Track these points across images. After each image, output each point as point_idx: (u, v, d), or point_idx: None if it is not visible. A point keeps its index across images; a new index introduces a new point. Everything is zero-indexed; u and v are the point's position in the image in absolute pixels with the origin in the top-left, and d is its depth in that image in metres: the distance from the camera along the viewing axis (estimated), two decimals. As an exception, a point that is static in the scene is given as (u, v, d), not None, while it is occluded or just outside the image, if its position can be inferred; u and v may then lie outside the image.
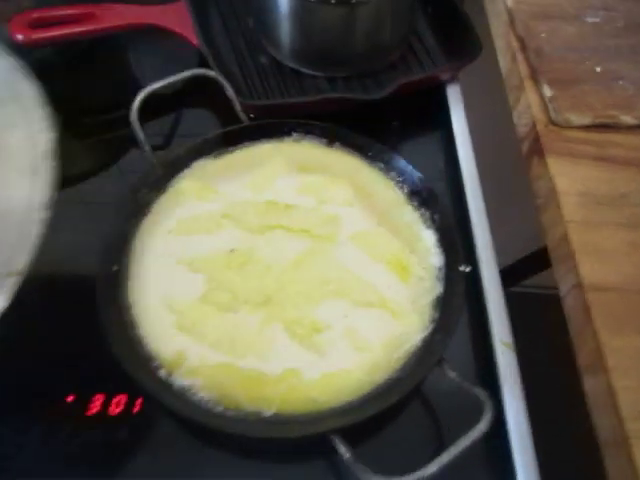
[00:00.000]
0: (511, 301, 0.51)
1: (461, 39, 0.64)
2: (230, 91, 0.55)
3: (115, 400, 0.43)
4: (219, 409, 0.39)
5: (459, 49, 0.64)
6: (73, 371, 0.45)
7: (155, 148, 0.53)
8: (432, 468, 0.34)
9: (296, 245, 0.48)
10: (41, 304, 0.48)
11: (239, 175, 0.52)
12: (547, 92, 0.45)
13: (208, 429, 0.38)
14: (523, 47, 0.49)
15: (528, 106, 0.46)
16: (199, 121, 0.63)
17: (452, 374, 0.40)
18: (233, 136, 0.53)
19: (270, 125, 0.54)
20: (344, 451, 0.36)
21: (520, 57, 0.49)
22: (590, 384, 0.36)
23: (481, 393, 0.37)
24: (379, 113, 0.61)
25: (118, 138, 0.62)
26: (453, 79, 0.65)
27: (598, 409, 0.35)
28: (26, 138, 0.51)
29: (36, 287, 0.48)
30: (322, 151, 0.54)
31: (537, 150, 0.44)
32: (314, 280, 0.46)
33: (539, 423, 0.44)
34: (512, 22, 0.52)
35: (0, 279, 0.42)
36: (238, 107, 0.55)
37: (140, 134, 0.51)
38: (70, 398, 0.43)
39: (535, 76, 0.47)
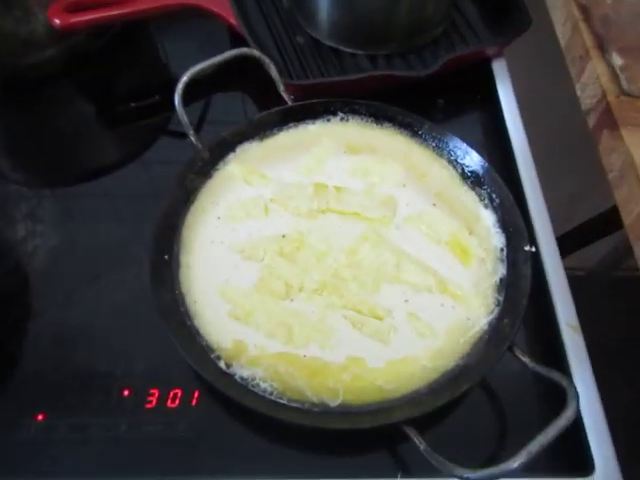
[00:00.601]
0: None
1: (508, 12, 0.62)
2: (274, 71, 0.53)
3: (171, 394, 0.42)
4: (284, 400, 0.38)
5: (505, 23, 0.61)
6: (126, 366, 0.43)
7: (197, 132, 0.51)
8: (521, 459, 0.32)
9: (350, 229, 0.47)
10: (87, 294, 0.47)
11: (286, 158, 0.50)
12: (617, 61, 0.42)
13: (274, 421, 0.37)
14: (587, 16, 0.46)
15: (595, 77, 0.44)
16: (238, 104, 0.61)
17: (525, 359, 0.38)
18: (278, 118, 0.51)
19: (316, 105, 0.52)
20: (419, 442, 0.35)
21: (583, 27, 0.46)
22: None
23: (562, 378, 0.35)
24: (422, 91, 0.58)
25: (156, 124, 0.61)
26: (499, 54, 0.62)
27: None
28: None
29: (85, 277, 0.48)
30: (370, 131, 0.52)
31: (608, 122, 0.42)
32: (371, 265, 0.44)
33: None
34: (573, -10, 0.49)
35: None
36: (281, 87, 0.53)
37: (184, 118, 0.50)
38: (126, 392, 0.42)
39: (602, 45, 0.44)
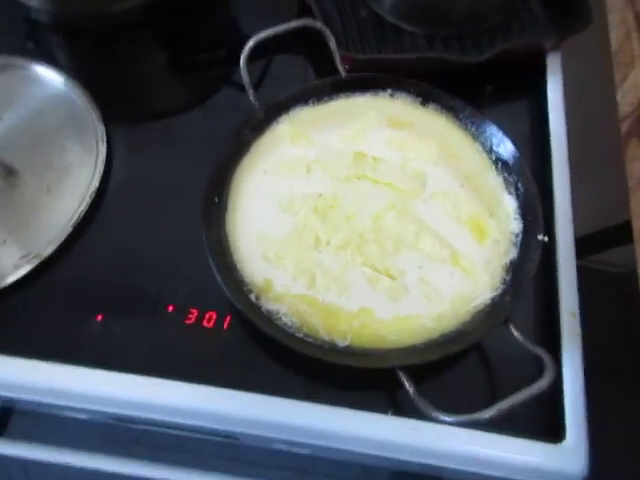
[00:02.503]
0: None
1: (570, 7, 0.63)
2: (333, 44, 0.57)
3: (207, 315, 0.49)
4: (300, 334, 0.44)
5: (566, 18, 0.63)
6: (173, 286, 0.50)
7: (256, 90, 0.57)
8: (490, 412, 0.37)
9: (380, 197, 0.51)
10: (148, 222, 0.54)
11: (333, 125, 0.55)
12: (657, 73, 0.44)
13: (288, 351, 0.43)
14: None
15: (636, 85, 0.46)
16: (295, 68, 0.66)
17: (516, 333, 0.43)
18: (331, 87, 0.56)
19: (367, 79, 0.56)
20: (408, 386, 0.41)
21: (635, 35, 0.48)
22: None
23: (544, 354, 0.40)
24: (474, 76, 0.61)
25: (218, 77, 0.66)
26: (555, 48, 0.64)
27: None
28: (83, 156, 0.57)
29: (147, 207, 0.55)
30: (414, 109, 0.56)
31: (638, 131, 0.44)
32: (393, 231, 0.49)
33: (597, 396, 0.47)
34: (632, -3, 0.50)
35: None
36: (338, 59, 0.57)
37: (247, 79, 0.55)
38: (170, 308, 0.49)
39: (648, 56, 0.46)
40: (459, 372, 0.46)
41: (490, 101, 0.63)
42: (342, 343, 0.44)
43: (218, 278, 0.45)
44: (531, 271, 0.46)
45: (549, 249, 0.51)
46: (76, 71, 0.65)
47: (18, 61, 0.63)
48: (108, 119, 0.59)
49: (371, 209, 0.50)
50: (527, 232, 0.49)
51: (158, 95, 0.68)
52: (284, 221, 0.50)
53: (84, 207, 0.53)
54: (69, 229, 0.51)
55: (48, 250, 0.50)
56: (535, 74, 0.63)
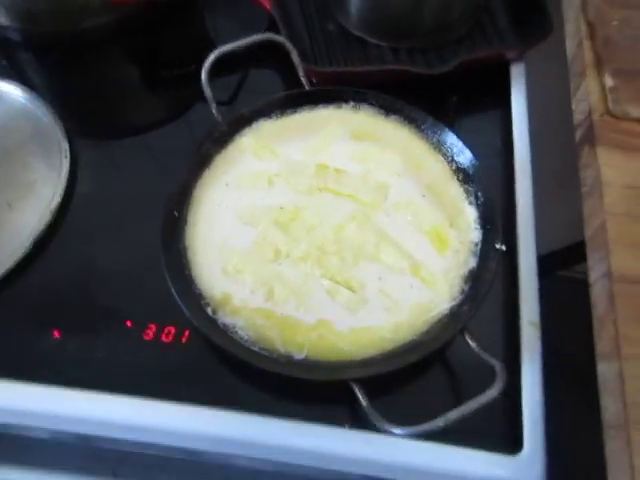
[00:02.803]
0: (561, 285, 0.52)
1: (531, 17, 0.64)
2: (295, 57, 0.57)
3: (166, 330, 0.48)
4: (256, 348, 0.44)
5: (528, 28, 0.64)
6: (132, 301, 0.50)
7: (220, 104, 0.57)
8: (440, 422, 0.37)
9: (341, 208, 0.51)
10: (111, 236, 0.54)
11: (296, 137, 0.55)
12: (609, 82, 0.45)
13: (245, 364, 0.43)
14: (592, 34, 0.49)
15: (587, 94, 0.46)
16: (262, 82, 0.66)
17: (472, 344, 0.43)
18: (294, 100, 0.56)
19: (330, 92, 0.56)
20: (362, 398, 0.40)
21: (587, 44, 0.49)
22: (603, 369, 0.38)
23: (496, 363, 0.40)
24: (439, 86, 0.61)
25: (187, 91, 0.67)
26: (519, 58, 0.64)
27: (607, 393, 0.37)
28: (47, 172, 0.57)
29: (111, 221, 0.55)
30: (377, 120, 0.56)
31: (589, 139, 0.44)
32: (353, 243, 0.49)
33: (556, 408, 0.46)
34: (584, 6, 0.51)
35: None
36: (301, 72, 0.58)
37: (208, 92, 0.55)
38: (128, 324, 0.49)
39: (599, 65, 0.47)
40: (417, 383, 0.46)
41: (455, 112, 0.63)
42: (298, 356, 0.44)
43: (174, 292, 0.45)
44: (489, 280, 0.46)
45: (512, 258, 0.52)
46: (43, 87, 0.66)
47: (-19, 78, 0.63)
48: (73, 135, 0.60)
49: (332, 221, 0.50)
50: (486, 241, 0.49)
51: (125, 111, 0.68)
52: (245, 234, 0.50)
53: (44, 223, 0.52)
54: (28, 246, 0.51)
55: (5, 267, 0.50)
56: (500, 85, 0.64)
